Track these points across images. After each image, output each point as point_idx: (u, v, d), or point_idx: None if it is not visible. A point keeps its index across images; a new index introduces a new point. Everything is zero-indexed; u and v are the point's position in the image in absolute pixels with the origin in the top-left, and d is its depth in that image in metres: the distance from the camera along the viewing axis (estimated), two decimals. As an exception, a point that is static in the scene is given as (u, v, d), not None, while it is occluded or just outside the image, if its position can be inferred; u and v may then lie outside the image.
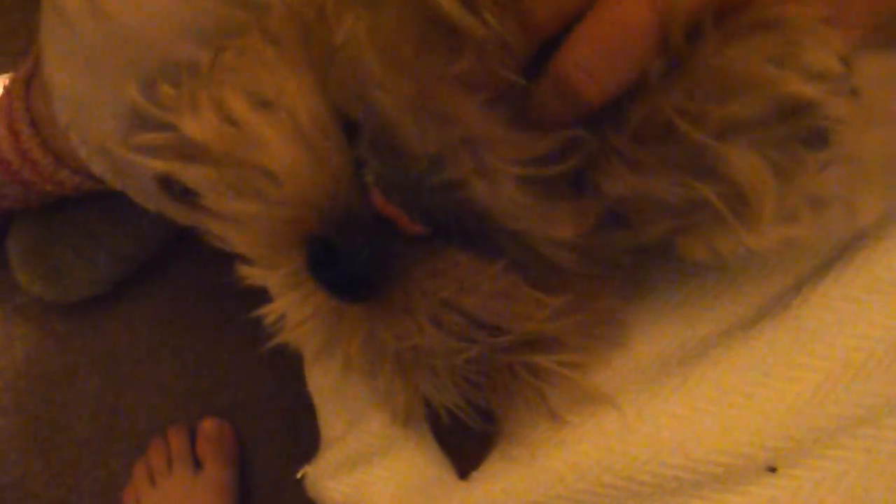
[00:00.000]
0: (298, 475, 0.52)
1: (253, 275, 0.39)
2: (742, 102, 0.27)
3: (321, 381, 0.50)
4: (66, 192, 0.81)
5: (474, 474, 0.42)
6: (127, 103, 0.47)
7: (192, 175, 0.38)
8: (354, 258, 0.32)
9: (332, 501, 0.47)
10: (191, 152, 0.38)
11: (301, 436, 0.98)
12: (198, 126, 0.37)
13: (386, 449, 0.45)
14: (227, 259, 1.02)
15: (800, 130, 0.28)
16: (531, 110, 0.30)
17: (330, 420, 0.50)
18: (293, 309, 0.38)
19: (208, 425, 0.98)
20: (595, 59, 0.28)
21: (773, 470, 0.39)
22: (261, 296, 1.03)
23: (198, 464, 0.97)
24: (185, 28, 0.43)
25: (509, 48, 0.28)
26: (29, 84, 0.75)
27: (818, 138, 0.28)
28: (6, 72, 0.92)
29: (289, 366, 1.00)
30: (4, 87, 0.81)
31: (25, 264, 0.94)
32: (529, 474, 0.40)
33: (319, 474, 0.48)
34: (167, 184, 0.47)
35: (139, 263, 0.97)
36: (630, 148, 0.30)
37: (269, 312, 0.40)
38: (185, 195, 0.45)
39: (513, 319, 0.35)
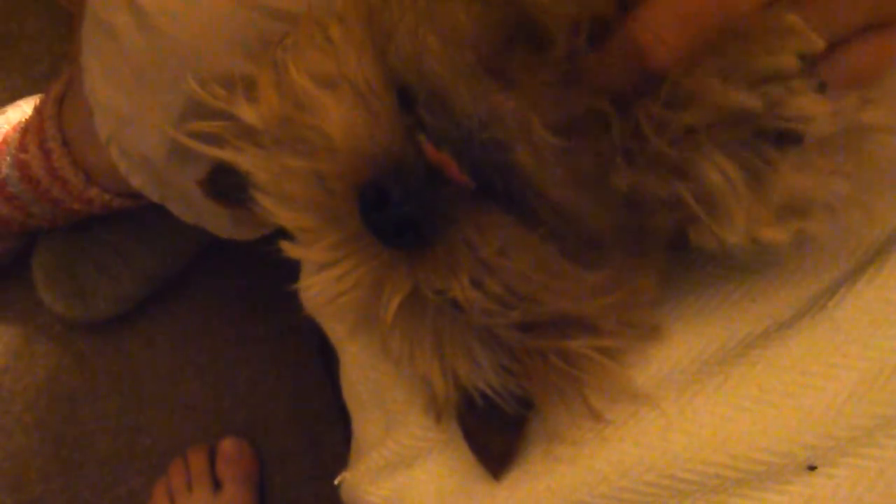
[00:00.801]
0: (336, 481, 0.52)
1: (295, 251, 0.40)
2: (691, 113, 0.30)
3: (358, 388, 0.51)
4: (95, 210, 0.82)
5: (517, 474, 0.42)
6: (173, 115, 0.48)
7: (245, 160, 0.39)
8: (406, 202, 0.33)
9: (372, 506, 0.47)
10: (242, 143, 0.40)
11: (322, 454, 0.99)
12: (255, 111, 0.39)
13: (426, 452, 0.46)
14: (248, 278, 1.02)
15: (762, 131, 0.30)
16: (588, 74, 0.31)
17: (367, 426, 0.50)
18: (333, 282, 0.39)
19: (228, 445, 0.98)
20: (667, 22, 0.29)
21: (812, 468, 0.39)
22: (282, 314, 1.02)
23: (217, 484, 0.97)
24: (232, 41, 0.45)
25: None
26: (61, 103, 0.77)
27: (789, 137, 0.30)
28: (30, 95, 0.94)
29: (310, 384, 1.01)
30: (35, 108, 0.82)
31: (49, 283, 0.95)
32: (573, 473, 0.40)
33: (358, 480, 0.48)
34: (211, 184, 0.48)
35: (162, 282, 0.98)
36: (630, 143, 0.32)
37: (308, 287, 0.40)
38: (229, 195, 0.47)
39: (548, 293, 0.36)
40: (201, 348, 1.01)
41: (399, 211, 0.33)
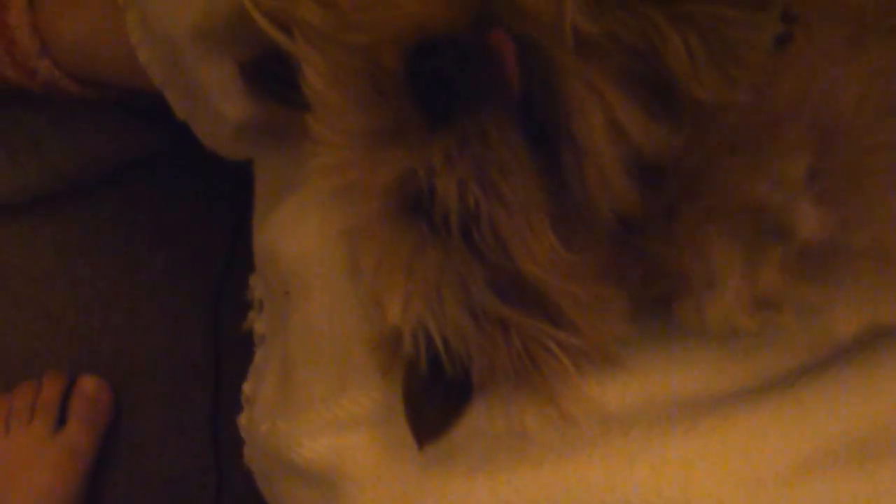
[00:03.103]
0: (263, 427, 0.50)
1: (315, 125, 0.39)
2: (713, 200, 0.34)
3: (319, 339, 0.49)
4: (30, 85, 0.75)
5: (477, 462, 0.42)
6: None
7: (303, 48, 0.39)
8: (454, 65, 0.34)
9: (302, 460, 0.46)
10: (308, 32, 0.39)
11: (182, 408, 0.93)
12: (320, 12, 0.38)
13: (382, 419, 0.45)
14: (160, 204, 0.97)
15: (766, 224, 0.33)
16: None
17: (317, 379, 0.48)
18: (342, 162, 0.39)
19: (89, 383, 0.91)
20: None
21: (743, 527, 0.42)
22: (184, 253, 0.97)
23: (62, 419, 0.90)
24: None
25: None
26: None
27: (783, 232, 0.33)
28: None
29: (190, 333, 0.95)
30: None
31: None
32: (536, 475, 0.41)
33: (296, 431, 0.46)
34: (255, 67, 0.47)
35: (69, 184, 0.91)
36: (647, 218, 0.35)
37: (315, 156, 0.40)
38: (268, 83, 0.46)
39: (519, 245, 0.37)
40: (87, 262, 0.93)
41: (445, 67, 0.34)
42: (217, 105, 0.50)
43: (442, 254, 0.38)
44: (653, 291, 0.39)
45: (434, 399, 0.42)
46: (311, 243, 0.50)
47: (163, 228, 0.95)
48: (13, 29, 0.71)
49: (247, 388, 0.68)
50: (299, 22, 0.40)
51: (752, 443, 0.42)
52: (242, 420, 0.66)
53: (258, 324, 0.70)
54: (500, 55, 0.34)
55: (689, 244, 0.35)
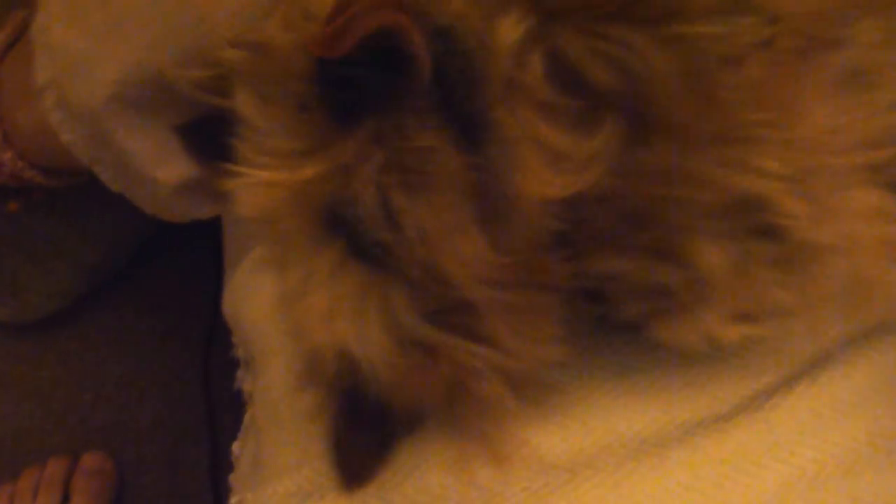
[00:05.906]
0: (233, 501, 0.49)
1: (239, 145, 0.38)
2: (701, 196, 0.32)
3: (280, 408, 0.48)
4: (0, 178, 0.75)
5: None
6: (143, 69, 0.46)
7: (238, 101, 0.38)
8: (369, 64, 0.32)
9: (270, 532, 0.45)
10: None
11: (179, 470, 0.93)
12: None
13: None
14: (141, 271, 0.96)
15: (754, 224, 0.32)
16: None
17: (280, 448, 0.47)
18: (261, 184, 0.37)
19: (89, 459, 0.91)
20: None
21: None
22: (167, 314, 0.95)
23: (67, 497, 0.89)
24: (239, 13, 0.43)
25: None
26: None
27: (772, 233, 0.32)
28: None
29: (184, 394, 0.95)
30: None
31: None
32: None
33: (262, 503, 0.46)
34: (192, 130, 0.46)
35: (105, 275, 0.90)
36: (615, 229, 0.33)
37: (235, 174, 0.38)
38: (206, 145, 0.45)
39: (447, 251, 0.34)
40: (73, 336, 0.93)
41: (360, 68, 0.32)
42: (150, 172, 0.50)
43: (364, 273, 0.36)
44: (620, 314, 0.38)
45: (361, 441, 0.41)
46: (264, 310, 0.49)
47: (149, 295, 0.95)
48: (-23, 124, 0.71)
49: (235, 447, 0.67)
50: (230, 69, 0.39)
51: (724, 471, 0.40)
52: (232, 479, 0.66)
53: (246, 383, 0.70)
54: (404, 35, 0.31)
55: (669, 254, 0.33)
